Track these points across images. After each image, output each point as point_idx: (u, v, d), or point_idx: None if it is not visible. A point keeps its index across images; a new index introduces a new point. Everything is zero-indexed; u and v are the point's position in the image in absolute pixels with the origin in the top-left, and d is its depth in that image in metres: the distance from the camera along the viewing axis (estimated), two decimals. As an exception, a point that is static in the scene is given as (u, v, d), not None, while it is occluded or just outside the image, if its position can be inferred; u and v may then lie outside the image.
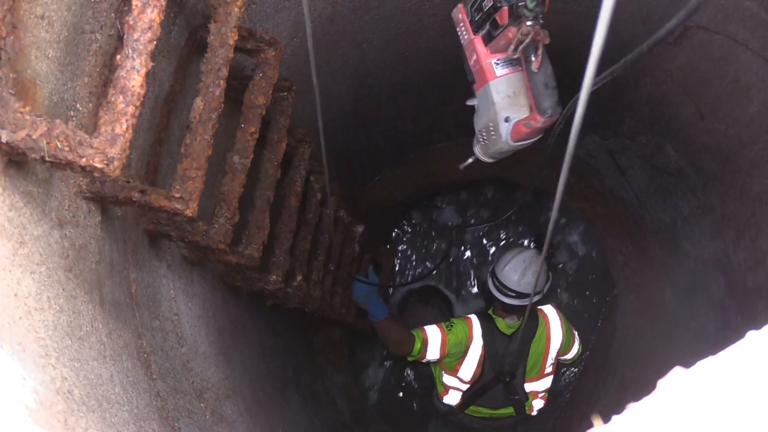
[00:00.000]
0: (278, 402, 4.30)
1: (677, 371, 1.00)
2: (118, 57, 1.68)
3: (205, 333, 3.22)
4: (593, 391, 6.22)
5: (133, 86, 1.66)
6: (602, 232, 6.42)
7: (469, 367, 5.54)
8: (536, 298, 5.16)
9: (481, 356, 5.48)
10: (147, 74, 1.69)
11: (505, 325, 5.47)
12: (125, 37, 1.68)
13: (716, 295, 4.50)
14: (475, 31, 3.16)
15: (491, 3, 2.94)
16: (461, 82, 4.77)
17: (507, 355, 5.47)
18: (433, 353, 5.39)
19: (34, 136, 1.53)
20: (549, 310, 5.63)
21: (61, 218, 1.93)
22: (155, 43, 1.70)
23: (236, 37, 2.34)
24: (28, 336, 1.65)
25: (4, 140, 1.50)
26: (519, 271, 5.20)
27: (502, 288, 5.26)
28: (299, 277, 3.89)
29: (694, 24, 3.61)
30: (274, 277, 3.44)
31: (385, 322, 5.53)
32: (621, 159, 5.43)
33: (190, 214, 2.18)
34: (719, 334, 4.39)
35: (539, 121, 3.04)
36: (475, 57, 3.21)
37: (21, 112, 1.52)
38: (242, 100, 2.74)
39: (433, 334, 5.36)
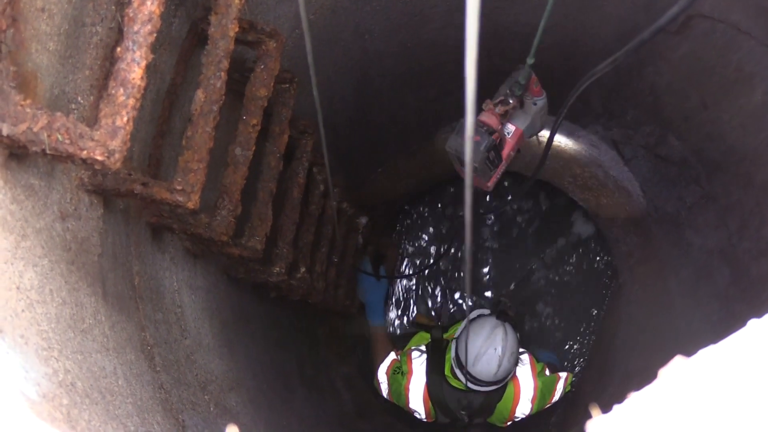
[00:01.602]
0: (282, 394, 4.30)
1: (678, 360, 1.00)
2: (119, 49, 1.68)
3: (208, 325, 3.23)
4: (598, 381, 6.21)
5: (133, 78, 1.66)
6: (606, 222, 6.40)
7: (420, 415, 5.17)
8: (510, 377, 4.78)
9: (427, 410, 5.07)
10: (147, 66, 1.69)
11: (460, 381, 4.82)
12: (125, 29, 1.68)
13: (721, 285, 4.50)
14: (500, 161, 3.92)
15: (490, 151, 3.70)
16: (463, 72, 4.74)
17: (462, 407, 4.98)
18: (387, 395, 5.17)
19: (35, 129, 1.53)
20: (523, 377, 5.02)
21: (63, 211, 1.94)
22: (155, 35, 1.70)
23: (237, 29, 2.34)
24: (30, 329, 1.66)
25: (5, 133, 1.50)
26: (494, 363, 4.56)
27: (476, 381, 4.65)
28: (302, 269, 3.89)
29: (697, 13, 3.60)
30: (278, 269, 3.44)
31: (375, 329, 5.51)
32: (625, 149, 5.43)
33: (192, 207, 2.18)
34: (723, 324, 4.38)
35: None
36: (516, 144, 3.95)
37: (22, 105, 1.52)
38: (244, 92, 2.74)
39: (382, 376, 5.11)
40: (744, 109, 3.83)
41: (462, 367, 4.62)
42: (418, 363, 4.99)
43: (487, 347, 4.53)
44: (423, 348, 5.08)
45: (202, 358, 3.07)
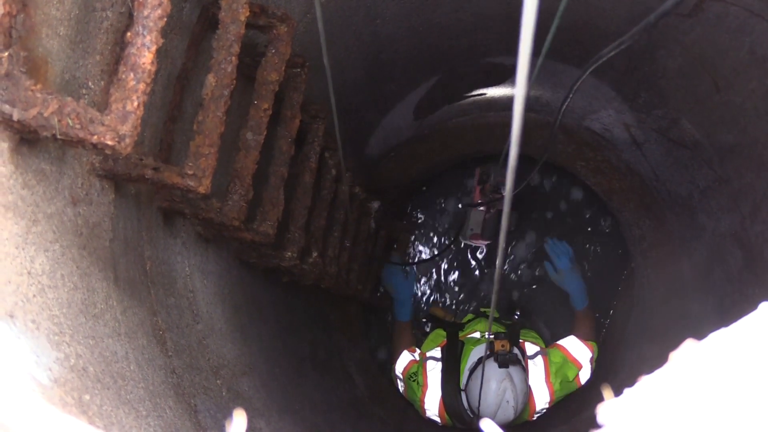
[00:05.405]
0: (295, 378, 4.31)
1: (689, 343, 1.00)
2: (129, 34, 1.68)
3: (221, 310, 3.24)
4: (611, 365, 6.21)
5: (143, 63, 1.66)
6: (619, 206, 6.39)
7: (437, 423, 5.29)
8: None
9: (444, 421, 5.18)
10: (158, 51, 1.69)
11: None
12: (135, 14, 1.68)
13: (734, 269, 4.48)
14: None
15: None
16: (474, 57, 4.73)
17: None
18: (403, 393, 5.30)
19: (45, 114, 1.53)
20: (536, 385, 5.07)
21: (74, 196, 1.94)
22: (165, 19, 1.70)
23: (248, 13, 2.34)
24: (42, 314, 1.66)
25: (15, 118, 1.50)
26: (510, 413, 4.65)
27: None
28: (315, 254, 3.89)
29: (710, -5, 3.58)
30: (290, 253, 3.45)
31: (400, 324, 5.53)
32: (637, 133, 5.40)
33: (203, 191, 2.19)
34: (737, 308, 4.37)
35: None
36: None
37: (32, 90, 1.52)
38: (255, 77, 2.73)
39: (399, 374, 5.21)
40: (756, 92, 3.81)
41: (473, 412, 4.74)
42: (433, 375, 5.05)
43: (498, 403, 4.59)
44: (438, 354, 5.10)
45: (214, 343, 3.08)
